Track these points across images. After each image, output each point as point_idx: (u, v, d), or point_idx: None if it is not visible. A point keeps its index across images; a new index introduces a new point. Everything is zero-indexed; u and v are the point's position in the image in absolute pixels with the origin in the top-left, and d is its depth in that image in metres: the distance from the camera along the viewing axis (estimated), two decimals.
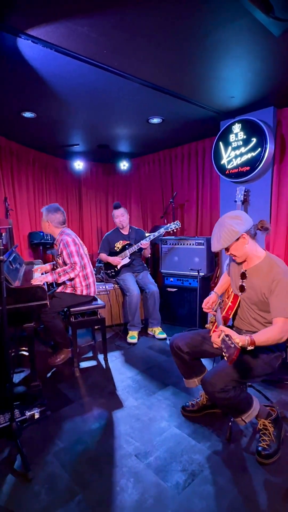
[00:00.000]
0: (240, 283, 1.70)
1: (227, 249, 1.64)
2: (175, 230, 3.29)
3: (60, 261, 2.71)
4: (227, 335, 1.42)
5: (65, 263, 2.66)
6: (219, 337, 1.47)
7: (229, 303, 1.74)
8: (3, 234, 1.65)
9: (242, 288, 1.70)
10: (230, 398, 1.54)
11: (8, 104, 2.72)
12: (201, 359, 1.95)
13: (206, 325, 1.90)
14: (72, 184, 4.83)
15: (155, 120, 3.21)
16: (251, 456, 1.67)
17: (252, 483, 1.50)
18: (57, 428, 1.90)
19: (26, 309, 2.09)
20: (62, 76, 2.27)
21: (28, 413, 1.92)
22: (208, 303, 1.85)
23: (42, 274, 2.73)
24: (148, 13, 1.64)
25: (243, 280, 1.69)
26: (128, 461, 1.66)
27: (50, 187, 4.50)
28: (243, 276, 1.69)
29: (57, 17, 1.66)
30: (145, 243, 3.30)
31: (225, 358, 1.39)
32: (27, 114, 2.96)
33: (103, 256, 3.48)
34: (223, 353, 1.40)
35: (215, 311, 1.81)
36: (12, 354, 2.73)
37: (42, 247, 4.03)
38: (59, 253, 2.69)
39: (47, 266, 2.95)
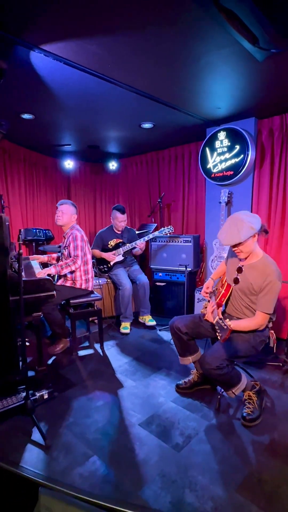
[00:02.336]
0: (235, 276, 1.90)
1: (237, 244, 1.74)
2: (168, 234, 3.44)
3: (65, 252, 2.84)
4: (220, 319, 1.70)
5: (70, 256, 2.82)
6: (214, 319, 1.75)
7: (223, 291, 1.98)
8: (22, 230, 1.79)
9: (236, 281, 1.90)
10: (224, 374, 1.79)
11: (10, 106, 2.86)
12: (196, 340, 2.20)
13: (201, 310, 2.17)
14: (62, 182, 4.93)
15: (147, 125, 3.44)
16: (237, 422, 1.96)
17: (239, 441, 1.76)
18: (66, 406, 2.09)
19: (34, 300, 2.25)
20: (65, 84, 2.46)
21: (38, 394, 2.12)
22: (208, 288, 2.12)
23: (39, 264, 2.90)
24: (149, 37, 1.88)
25: (238, 274, 1.88)
26: (132, 429, 1.91)
27: (40, 185, 4.58)
28: (239, 270, 1.88)
29: (70, 36, 1.87)
30: (141, 244, 3.44)
31: (218, 337, 1.68)
32: (26, 116, 3.11)
33: (97, 252, 3.62)
34: (217, 333, 1.69)
35: (210, 297, 2.06)
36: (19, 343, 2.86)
37: (35, 244, 4.13)
38: (66, 245, 2.84)
39: (45, 257, 3.07)
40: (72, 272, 2.81)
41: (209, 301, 2.08)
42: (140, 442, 1.81)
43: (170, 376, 2.46)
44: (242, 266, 1.88)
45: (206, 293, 2.08)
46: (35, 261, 3.15)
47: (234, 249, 1.80)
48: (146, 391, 2.26)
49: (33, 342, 2.85)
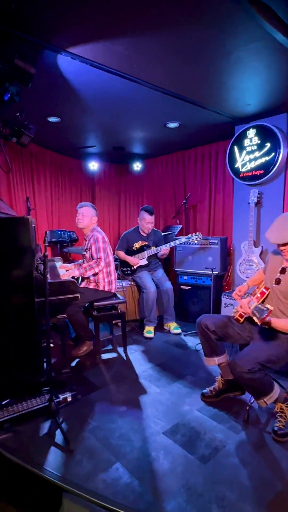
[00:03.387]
0: (277, 276, 1.89)
1: (286, 243, 1.76)
2: (196, 242, 3.39)
3: (87, 255, 2.86)
4: (260, 303, 1.68)
5: (92, 258, 2.83)
6: (250, 309, 1.71)
7: (258, 294, 1.95)
8: (48, 232, 1.85)
9: (278, 281, 1.88)
10: (256, 379, 1.72)
11: (37, 109, 2.96)
12: (224, 342, 2.10)
13: (233, 310, 2.12)
14: (86, 184, 5.01)
15: (172, 125, 3.43)
16: (268, 435, 1.85)
17: (270, 456, 1.68)
18: (89, 410, 2.09)
19: (59, 302, 2.27)
20: (91, 86, 2.50)
21: (61, 396, 2.15)
22: (241, 292, 2.07)
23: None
24: (177, 34, 1.87)
25: (281, 275, 1.87)
26: (157, 438, 1.88)
27: (65, 187, 4.68)
28: (283, 271, 1.87)
29: (97, 38, 1.90)
30: (166, 250, 3.40)
31: (256, 320, 1.68)
32: (52, 119, 3.19)
33: (122, 254, 3.59)
34: (255, 318, 1.67)
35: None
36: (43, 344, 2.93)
37: (60, 246, 4.22)
38: (88, 247, 2.85)
39: (72, 266, 3.10)
40: (95, 274, 2.83)
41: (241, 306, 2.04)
42: (165, 451, 1.78)
43: (195, 384, 2.42)
44: (286, 267, 1.85)
45: (239, 296, 2.03)
46: (59, 263, 3.21)
47: (281, 248, 1.79)
48: (171, 398, 2.23)
49: (57, 344, 2.90)
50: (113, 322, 3.46)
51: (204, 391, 2.26)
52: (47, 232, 1.81)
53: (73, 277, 2.63)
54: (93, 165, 4.68)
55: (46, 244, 1.85)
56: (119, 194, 5.32)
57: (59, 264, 3.21)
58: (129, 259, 3.56)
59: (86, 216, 2.88)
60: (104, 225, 5.18)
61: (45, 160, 4.26)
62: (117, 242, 3.74)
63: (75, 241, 4.35)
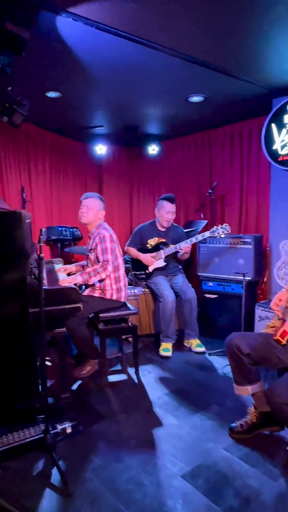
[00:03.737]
0: None
1: None
2: (222, 236, 3.30)
3: (92, 257, 2.85)
4: None
5: (97, 260, 2.81)
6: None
7: None
8: (43, 229, 1.84)
9: None
10: None
11: (34, 83, 2.96)
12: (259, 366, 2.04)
13: (269, 323, 2.03)
14: (92, 171, 5.03)
15: (196, 99, 3.37)
16: None
17: None
18: (92, 444, 2.07)
19: (58, 313, 2.24)
20: (98, 53, 2.48)
21: (59, 427, 2.13)
22: (281, 301, 1.97)
23: (68, 275, 2.93)
24: None
25: None
26: (174, 482, 1.83)
27: (68, 175, 4.71)
28: None
29: None
30: (186, 247, 3.34)
31: None
32: (52, 94, 3.19)
33: (133, 251, 3.57)
34: None
35: (283, 313, 1.93)
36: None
37: (60, 245, 4.24)
38: (93, 248, 2.83)
39: (72, 267, 3.11)
40: (101, 280, 2.82)
41: (281, 319, 1.95)
42: (184, 500, 1.72)
43: (222, 415, 2.36)
44: None
45: (277, 305, 1.95)
46: (59, 265, 3.24)
47: None
48: (192, 433, 2.19)
49: (56, 363, 2.88)
50: (123, 337, 3.44)
51: (233, 425, 2.20)
52: (43, 229, 1.79)
53: (75, 284, 2.63)
54: (101, 149, 4.68)
55: (41, 244, 1.86)
56: (131, 183, 5.30)
57: (59, 266, 3.22)
58: (142, 257, 3.53)
59: (91, 209, 2.87)
60: (113, 221, 5.22)
61: (44, 143, 4.29)
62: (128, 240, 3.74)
63: (78, 239, 4.37)
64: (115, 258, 2.83)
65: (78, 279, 2.70)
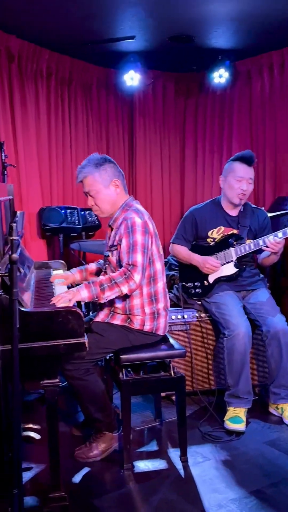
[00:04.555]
0: None
1: None
2: None
3: (113, 258, 2.79)
4: None
5: (119, 263, 2.70)
6: None
7: None
8: (18, 213, 1.66)
9: None
10: None
11: None
12: None
13: None
14: (118, 114, 4.96)
15: None
16: None
17: None
18: None
19: (47, 352, 2.18)
20: None
21: None
22: None
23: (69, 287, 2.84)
24: None
25: None
26: None
27: (78, 121, 4.64)
28: None
29: None
30: (274, 244, 3.22)
31: None
32: None
33: (183, 251, 3.48)
34: None
35: None
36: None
37: (63, 236, 4.17)
38: (115, 243, 2.77)
39: (75, 275, 3.01)
40: (124, 297, 2.70)
41: None
42: None
43: None
44: None
45: None
46: (59, 271, 3.19)
47: None
48: None
49: (45, 436, 2.69)
50: (162, 395, 3.35)
51: None
52: (19, 212, 1.61)
53: (78, 302, 2.58)
54: (132, 78, 4.61)
55: (16, 237, 1.86)
56: (182, 136, 5.21)
57: (58, 273, 3.17)
58: (199, 259, 3.37)
59: (100, 191, 2.80)
60: (152, 199, 5.09)
61: (38, 67, 4.24)
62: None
63: (93, 228, 4.32)
64: (151, 261, 2.75)
65: (83, 293, 2.55)
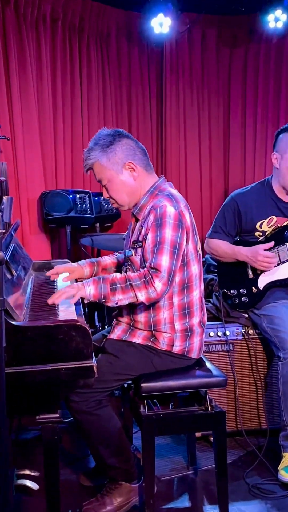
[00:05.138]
0: None
1: None
2: None
3: (136, 257, 2.80)
4: None
5: (143, 263, 2.77)
6: None
7: None
8: (4, 199, 1.71)
9: None
10: None
11: None
12: None
13: None
14: (143, 71, 5.02)
15: None
16: None
17: None
18: None
19: (42, 378, 2.18)
20: None
21: None
22: None
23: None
24: None
25: None
26: None
27: (91, 81, 4.69)
28: None
29: None
30: None
31: None
32: None
33: (223, 244, 3.51)
34: None
35: None
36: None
37: (72, 229, 4.22)
38: (139, 238, 2.79)
39: (84, 268, 3.03)
40: (148, 308, 2.72)
41: None
42: None
43: None
44: None
45: None
46: (66, 274, 3.11)
47: None
48: None
49: (43, 485, 2.72)
50: (197, 435, 3.33)
51: None
52: (5, 198, 1.68)
53: (89, 313, 2.66)
54: (161, 23, 4.73)
55: (0, 230, 1.86)
56: (227, 97, 5.25)
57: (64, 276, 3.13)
58: (246, 256, 3.38)
59: (110, 179, 2.82)
60: (188, 179, 5.14)
61: (40, 13, 4.32)
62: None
63: (111, 218, 4.40)
64: (184, 263, 2.73)
65: (89, 290, 2.56)
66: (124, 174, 2.82)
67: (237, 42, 5.10)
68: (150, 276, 2.58)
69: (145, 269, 2.65)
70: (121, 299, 2.59)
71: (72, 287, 2.60)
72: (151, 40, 4.82)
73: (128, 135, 2.87)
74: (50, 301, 2.53)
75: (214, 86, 5.19)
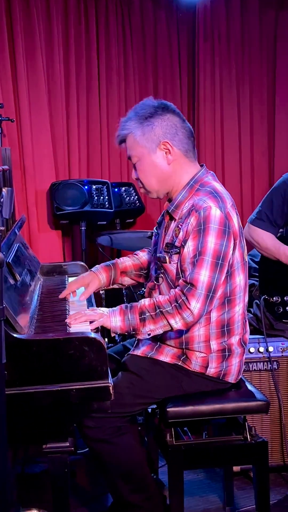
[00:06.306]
0: None
1: None
2: None
3: (171, 265, 2.73)
4: None
5: (179, 275, 2.67)
6: None
7: None
8: (4, 191, 1.70)
9: None
10: None
11: None
12: None
13: None
14: (172, 39, 5.04)
15: None
16: None
17: None
18: None
19: (49, 401, 2.19)
20: None
21: None
22: None
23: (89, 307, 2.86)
24: None
25: None
26: None
27: (110, 51, 4.71)
28: None
29: None
30: None
31: None
32: None
33: (267, 238, 3.47)
34: None
35: None
36: None
37: (87, 226, 4.24)
38: (176, 243, 2.71)
39: (100, 276, 3.02)
40: (180, 330, 2.69)
41: None
42: None
43: None
44: None
45: None
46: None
47: None
48: None
49: None
50: (235, 469, 3.34)
51: None
52: (4, 190, 1.66)
53: (100, 328, 2.60)
54: None
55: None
56: (272, 69, 5.27)
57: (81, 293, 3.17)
58: None
59: (141, 157, 2.79)
60: (224, 163, 5.15)
61: None
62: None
63: (134, 213, 4.41)
64: (228, 274, 2.69)
65: (114, 321, 2.58)
66: (158, 155, 2.76)
67: (284, 2, 5.05)
68: (183, 297, 2.53)
69: (176, 289, 2.60)
70: (153, 329, 2.60)
71: (95, 312, 2.61)
72: (181, 2, 4.81)
73: (175, 110, 2.78)
74: (68, 321, 2.52)
75: (257, 57, 5.16)
